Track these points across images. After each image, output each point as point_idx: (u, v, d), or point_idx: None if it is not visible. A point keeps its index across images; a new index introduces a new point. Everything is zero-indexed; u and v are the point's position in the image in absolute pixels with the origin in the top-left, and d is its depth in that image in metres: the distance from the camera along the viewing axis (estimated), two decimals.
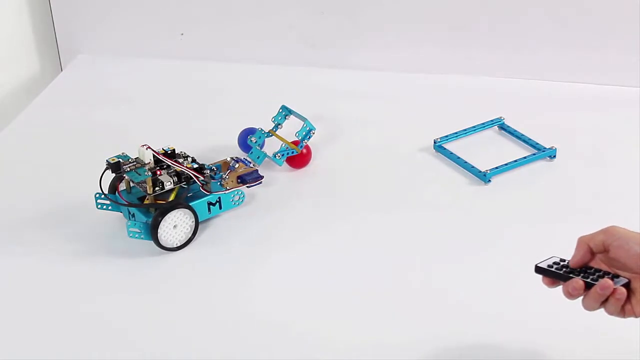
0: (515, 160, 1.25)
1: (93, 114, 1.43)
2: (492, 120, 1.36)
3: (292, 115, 1.27)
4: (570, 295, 0.79)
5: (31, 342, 0.96)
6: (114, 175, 1.12)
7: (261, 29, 1.56)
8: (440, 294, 1.01)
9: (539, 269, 0.83)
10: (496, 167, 1.23)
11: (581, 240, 0.82)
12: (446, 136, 1.32)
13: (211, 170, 1.15)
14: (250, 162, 1.19)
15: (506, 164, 1.24)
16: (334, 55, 1.55)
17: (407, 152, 1.30)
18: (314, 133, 1.24)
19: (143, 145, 1.11)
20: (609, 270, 0.80)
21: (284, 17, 1.54)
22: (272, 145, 1.26)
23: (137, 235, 1.08)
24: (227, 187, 1.14)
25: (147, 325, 0.98)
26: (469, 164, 1.25)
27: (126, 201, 1.11)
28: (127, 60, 1.59)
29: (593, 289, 0.78)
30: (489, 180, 1.22)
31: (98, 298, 1.02)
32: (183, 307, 1.01)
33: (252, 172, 1.17)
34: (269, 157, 1.24)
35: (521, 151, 1.29)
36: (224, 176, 1.14)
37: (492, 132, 1.35)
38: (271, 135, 1.26)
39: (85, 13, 1.60)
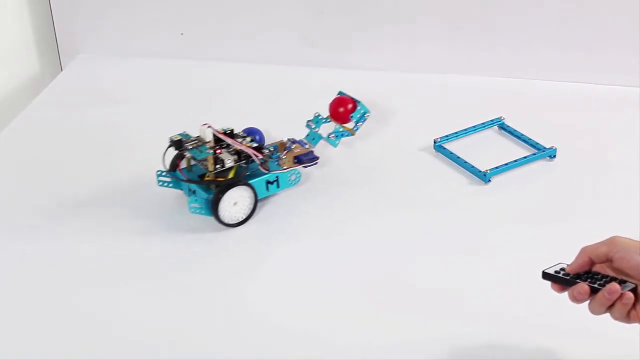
0: (515, 160, 1.25)
1: (93, 113, 1.43)
2: (492, 120, 1.36)
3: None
4: (576, 300, 0.79)
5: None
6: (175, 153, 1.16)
7: (261, 29, 1.56)
8: (440, 294, 1.01)
9: (546, 275, 0.82)
10: (496, 167, 1.23)
11: (583, 251, 0.82)
12: (446, 136, 1.32)
13: (269, 150, 1.18)
14: (306, 144, 1.22)
15: (506, 164, 1.24)
16: (334, 55, 1.55)
17: (407, 152, 1.30)
18: (368, 116, 1.24)
19: (204, 124, 1.14)
20: (616, 276, 0.80)
21: (284, 17, 1.54)
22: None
23: (198, 211, 1.12)
24: (284, 167, 1.17)
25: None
26: (469, 164, 1.25)
27: (187, 178, 1.15)
28: (127, 60, 1.59)
29: (600, 293, 0.78)
30: (489, 180, 1.22)
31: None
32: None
33: (308, 153, 1.20)
34: (324, 138, 1.25)
35: (521, 151, 1.29)
36: (280, 156, 1.17)
37: (492, 132, 1.35)
38: (329, 121, 1.26)
39: (85, 13, 1.60)
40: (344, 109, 1.23)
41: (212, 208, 1.11)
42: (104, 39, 1.62)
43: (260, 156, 1.14)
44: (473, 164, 1.24)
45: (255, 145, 1.15)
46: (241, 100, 1.47)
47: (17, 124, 1.41)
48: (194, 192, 1.15)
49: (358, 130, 1.24)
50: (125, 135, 1.36)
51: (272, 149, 1.20)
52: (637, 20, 1.41)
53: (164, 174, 1.17)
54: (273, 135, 1.27)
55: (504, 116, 1.36)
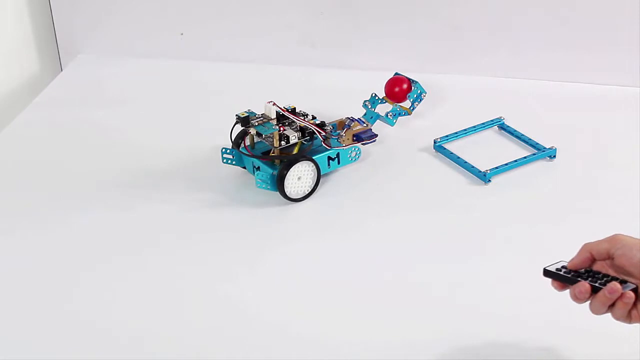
0: (515, 160, 1.25)
1: (93, 113, 1.43)
2: (492, 120, 1.36)
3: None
4: (577, 298, 0.80)
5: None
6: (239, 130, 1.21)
7: (261, 29, 1.56)
8: (440, 294, 1.01)
9: (547, 272, 0.83)
10: (496, 167, 1.23)
11: (584, 248, 0.82)
12: (446, 136, 1.32)
13: (330, 128, 1.23)
14: (364, 122, 1.26)
15: (506, 164, 1.24)
16: (334, 55, 1.55)
17: (407, 152, 1.30)
18: (424, 96, 1.27)
19: (269, 102, 1.19)
20: (617, 276, 0.80)
21: (284, 17, 1.54)
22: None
23: (264, 186, 1.17)
24: (345, 144, 1.22)
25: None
26: (469, 164, 1.25)
27: (251, 153, 1.19)
28: (127, 60, 1.59)
29: (601, 292, 0.78)
30: (489, 180, 1.22)
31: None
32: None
33: (366, 131, 1.25)
34: (381, 117, 1.28)
35: (521, 151, 1.29)
36: (340, 134, 1.22)
37: (492, 132, 1.35)
38: (385, 102, 1.29)
39: (85, 13, 1.60)
40: (399, 89, 1.27)
41: (278, 183, 1.15)
42: (104, 39, 1.62)
43: (323, 133, 1.19)
44: (473, 164, 1.24)
45: (317, 122, 1.20)
46: (241, 100, 1.46)
47: (17, 124, 1.41)
48: (258, 168, 1.20)
49: (414, 110, 1.27)
50: (125, 135, 1.36)
51: (332, 127, 1.24)
52: (637, 20, 1.41)
53: (228, 151, 1.21)
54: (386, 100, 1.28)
55: (504, 116, 1.36)
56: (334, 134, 1.23)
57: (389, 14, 1.50)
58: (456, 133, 1.33)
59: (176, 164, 1.28)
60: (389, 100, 1.29)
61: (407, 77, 1.28)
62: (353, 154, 1.23)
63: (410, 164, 1.27)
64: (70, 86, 1.54)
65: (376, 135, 1.25)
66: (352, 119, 1.25)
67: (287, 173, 1.15)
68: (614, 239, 0.80)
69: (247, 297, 1.02)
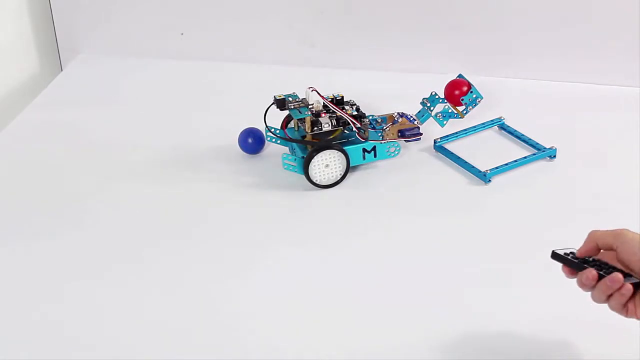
0: (515, 160, 1.25)
1: (93, 113, 1.43)
2: (492, 120, 1.36)
3: None
4: (583, 285, 0.80)
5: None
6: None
7: (261, 29, 1.56)
8: (439, 294, 1.01)
9: (555, 255, 0.83)
10: (496, 167, 1.23)
11: (591, 235, 0.83)
12: (446, 136, 1.32)
13: (376, 121, 1.25)
14: (415, 120, 1.27)
15: (506, 164, 1.24)
16: (334, 55, 1.55)
17: (407, 152, 1.30)
18: (480, 101, 1.27)
19: (310, 88, 1.20)
20: (623, 269, 0.80)
21: (284, 17, 1.54)
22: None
23: (291, 168, 1.20)
24: (387, 139, 1.22)
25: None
26: (469, 164, 1.25)
27: (288, 135, 1.22)
28: (127, 60, 1.59)
29: (603, 281, 0.79)
30: (489, 180, 1.22)
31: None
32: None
33: (413, 128, 1.25)
34: (432, 117, 1.28)
35: (521, 151, 1.29)
36: (385, 128, 1.22)
37: (492, 132, 1.35)
38: (445, 101, 1.28)
39: (85, 13, 1.60)
40: (459, 92, 1.26)
41: (304, 167, 1.18)
42: (104, 39, 1.62)
43: (358, 124, 1.20)
44: (473, 164, 1.24)
45: (355, 113, 1.21)
46: (241, 100, 1.47)
47: (17, 123, 1.41)
48: (295, 150, 1.23)
49: (467, 114, 1.27)
50: (125, 135, 1.36)
51: (380, 120, 1.26)
52: (637, 20, 1.41)
53: (272, 129, 1.23)
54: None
55: (504, 116, 1.36)
56: (377, 128, 1.24)
57: (389, 13, 1.50)
58: (456, 133, 1.33)
59: (176, 164, 1.28)
60: (447, 100, 1.28)
61: (467, 81, 1.27)
62: (392, 150, 1.24)
63: (410, 164, 1.27)
64: (70, 86, 1.54)
65: (421, 134, 1.25)
66: (402, 115, 1.26)
67: (313, 158, 1.17)
68: (619, 234, 0.81)
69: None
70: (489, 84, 1.47)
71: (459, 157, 1.26)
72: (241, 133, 1.29)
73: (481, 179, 1.22)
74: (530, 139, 1.30)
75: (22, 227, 1.16)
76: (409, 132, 1.25)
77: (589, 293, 0.81)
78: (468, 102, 1.27)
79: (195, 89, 1.51)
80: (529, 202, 1.18)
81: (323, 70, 1.52)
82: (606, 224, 0.86)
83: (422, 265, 1.06)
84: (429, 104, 1.28)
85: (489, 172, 1.22)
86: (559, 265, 0.84)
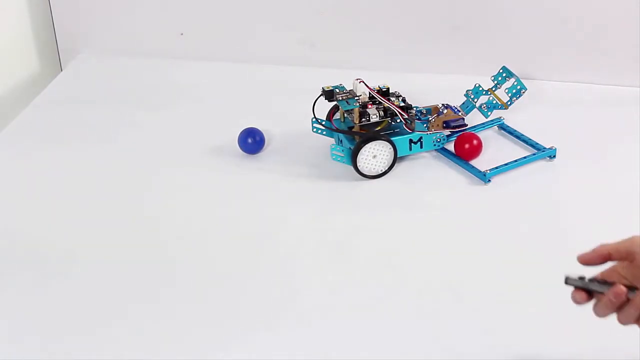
0: (515, 160, 1.25)
1: (93, 113, 1.43)
2: (492, 120, 1.36)
3: (512, 78, 1.31)
4: (611, 302, 0.76)
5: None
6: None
7: (261, 29, 1.56)
8: (439, 294, 1.01)
9: (570, 280, 0.79)
10: (496, 167, 1.23)
11: (602, 247, 0.80)
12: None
13: (421, 113, 1.27)
14: (459, 111, 1.28)
15: (506, 164, 1.24)
16: (334, 55, 1.55)
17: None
18: (524, 92, 1.28)
19: (357, 79, 1.22)
20: (629, 284, 0.78)
21: (284, 17, 1.54)
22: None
23: (339, 159, 1.21)
24: (432, 130, 1.24)
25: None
26: (469, 164, 1.25)
27: (335, 127, 1.24)
28: (127, 60, 1.59)
29: (606, 296, 0.76)
30: (489, 180, 1.22)
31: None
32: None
33: (457, 119, 1.27)
34: (477, 108, 1.30)
35: (521, 151, 1.29)
36: (430, 119, 1.24)
37: (492, 132, 1.35)
38: (489, 94, 1.30)
39: (85, 13, 1.60)
40: (469, 145, 1.26)
41: (352, 157, 1.19)
42: (104, 39, 1.62)
43: (406, 115, 1.21)
44: (473, 164, 1.24)
45: (402, 104, 1.22)
46: (241, 100, 1.47)
47: (17, 123, 1.41)
48: (341, 141, 1.24)
49: (512, 105, 1.28)
50: (125, 135, 1.36)
51: (425, 112, 1.28)
52: (637, 20, 1.41)
53: (319, 121, 1.24)
54: (273, 132, 1.27)
55: (504, 116, 1.36)
56: (423, 119, 1.25)
57: (389, 13, 1.51)
58: (456, 133, 1.33)
59: (176, 164, 1.28)
60: (492, 92, 1.29)
61: (512, 73, 1.29)
62: (438, 140, 1.24)
63: (410, 164, 1.27)
64: (70, 86, 1.54)
65: (466, 125, 1.27)
66: (447, 106, 1.27)
67: (361, 148, 1.18)
68: (634, 240, 0.78)
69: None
70: (489, 84, 1.47)
71: (459, 157, 1.26)
72: (241, 133, 1.29)
73: (481, 179, 1.22)
74: (530, 139, 1.30)
75: (22, 227, 1.16)
76: (453, 122, 1.26)
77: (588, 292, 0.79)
78: (512, 93, 1.29)
79: (195, 89, 1.51)
80: (529, 202, 1.18)
81: (323, 70, 1.52)
82: (606, 224, 0.86)
83: (421, 265, 1.06)
84: (472, 96, 1.30)
85: (488, 172, 1.22)
86: (559, 265, 0.83)
